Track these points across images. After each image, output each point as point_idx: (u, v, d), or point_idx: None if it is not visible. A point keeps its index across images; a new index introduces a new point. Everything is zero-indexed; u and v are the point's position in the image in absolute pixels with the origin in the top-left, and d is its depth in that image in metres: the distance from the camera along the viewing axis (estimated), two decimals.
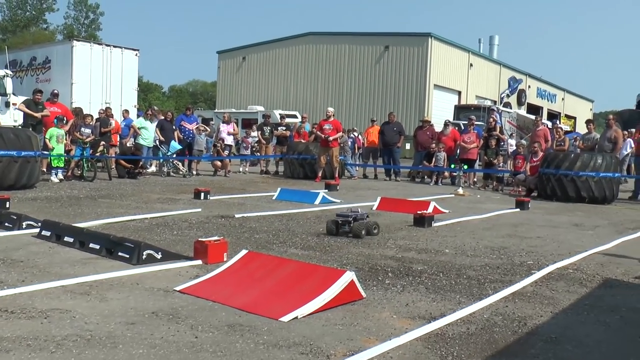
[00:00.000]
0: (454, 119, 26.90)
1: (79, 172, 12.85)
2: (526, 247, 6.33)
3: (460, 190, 12.75)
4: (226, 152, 16.92)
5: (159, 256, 4.82)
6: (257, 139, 18.71)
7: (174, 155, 15.31)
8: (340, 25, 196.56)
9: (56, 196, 9.45)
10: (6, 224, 6.13)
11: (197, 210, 8.17)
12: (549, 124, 22.32)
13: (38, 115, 12.71)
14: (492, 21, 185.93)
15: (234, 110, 35.37)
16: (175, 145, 15.19)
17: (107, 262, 4.77)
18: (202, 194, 9.65)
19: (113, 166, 13.97)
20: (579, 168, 11.65)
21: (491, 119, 16.67)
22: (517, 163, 14.33)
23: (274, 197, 10.30)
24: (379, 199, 9.60)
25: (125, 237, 5.31)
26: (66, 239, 5.39)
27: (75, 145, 13.04)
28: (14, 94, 18.32)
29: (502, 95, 46.85)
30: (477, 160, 16.26)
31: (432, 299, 4.06)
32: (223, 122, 17.87)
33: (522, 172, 13.60)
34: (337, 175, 14.81)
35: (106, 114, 15.69)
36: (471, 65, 43.16)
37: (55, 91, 14.43)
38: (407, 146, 25.94)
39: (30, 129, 11.86)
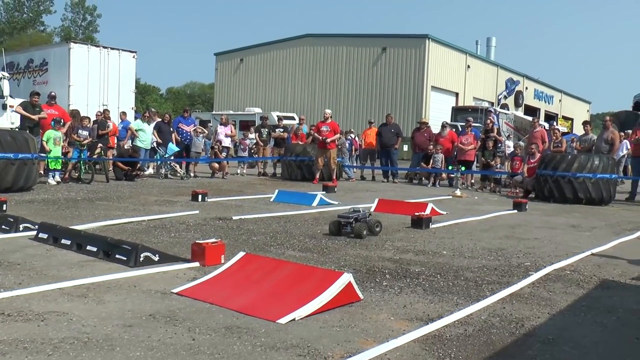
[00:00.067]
0: (451, 121, 26.95)
1: (77, 174, 12.83)
2: (524, 248, 6.34)
3: (458, 192, 12.77)
4: (224, 154, 16.92)
5: (156, 258, 4.82)
6: (254, 140, 18.72)
7: (172, 158, 15.30)
8: (338, 27, 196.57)
9: (53, 198, 9.44)
10: (3, 227, 6.11)
11: (194, 213, 8.17)
12: (546, 125, 22.38)
13: (35, 117, 12.71)
14: (489, 23, 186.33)
15: (231, 112, 35.39)
16: (172, 147, 15.19)
17: (105, 265, 4.76)
18: (200, 196, 9.65)
19: (110, 168, 13.95)
20: (576, 169, 11.68)
21: (488, 121, 16.70)
22: (514, 164, 14.35)
23: (271, 199, 10.29)
24: (376, 200, 9.60)
25: (122, 239, 5.30)
26: (63, 241, 5.38)
27: (73, 148, 13.03)
28: (11, 96, 18.26)
29: (499, 97, 46.96)
30: (475, 162, 16.28)
31: (430, 301, 4.06)
32: (220, 124, 17.88)
33: (520, 174, 13.62)
34: (334, 177, 14.83)
35: (104, 116, 15.67)
36: (468, 66, 43.25)
37: (53, 93, 14.43)
38: (405, 148, 25.99)
39: (28, 132, 11.86)
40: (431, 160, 15.72)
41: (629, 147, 15.65)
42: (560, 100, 59.92)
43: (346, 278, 3.83)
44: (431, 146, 15.94)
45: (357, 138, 20.44)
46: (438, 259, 5.54)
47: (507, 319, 3.69)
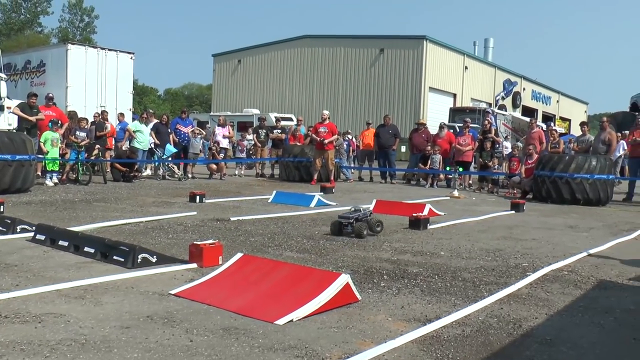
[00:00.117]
0: (449, 122, 26.97)
1: (74, 175, 12.82)
2: (521, 249, 6.34)
3: (456, 193, 12.78)
4: (221, 155, 16.92)
5: (154, 260, 4.81)
6: (252, 142, 18.72)
7: (170, 159, 15.29)
8: (336, 28, 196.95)
9: (51, 200, 9.42)
10: (0, 228, 6.09)
11: (192, 214, 8.16)
12: (544, 126, 22.38)
13: (33, 119, 12.69)
14: (487, 24, 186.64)
15: (229, 113, 35.40)
16: (170, 148, 15.18)
17: (102, 266, 4.76)
18: (198, 197, 9.64)
19: (108, 170, 13.94)
20: (574, 170, 11.69)
21: (486, 122, 16.72)
22: (512, 165, 14.37)
23: (269, 200, 10.29)
24: (374, 201, 9.60)
25: (120, 240, 5.29)
26: (61, 242, 5.37)
27: (71, 149, 13.01)
28: (8, 97, 18.24)
29: (497, 98, 47.03)
30: (473, 163, 16.30)
31: (428, 302, 4.06)
32: (218, 125, 17.88)
33: (517, 175, 13.64)
34: (332, 178, 14.83)
35: (102, 117, 15.66)
36: (466, 67, 43.32)
37: (50, 95, 14.40)
38: (403, 149, 26.01)
39: (25, 133, 11.83)
40: (429, 161, 15.74)
41: (625, 147, 15.69)
42: (557, 101, 60.06)
43: (344, 279, 3.83)
44: (429, 147, 15.95)
45: (354, 139, 20.44)
46: (436, 260, 5.54)
47: (505, 320, 3.70)
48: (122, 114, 18.35)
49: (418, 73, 38.41)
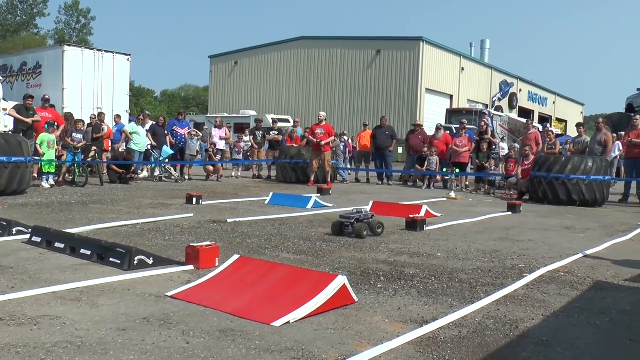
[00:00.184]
0: (445, 123, 26.98)
1: (71, 177, 12.79)
2: (518, 250, 6.35)
3: (453, 194, 12.80)
4: (218, 157, 16.91)
5: (150, 262, 4.80)
6: (249, 143, 18.70)
7: (166, 160, 15.27)
8: (332, 29, 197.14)
9: (47, 202, 9.40)
10: None
11: (189, 215, 8.15)
12: (540, 127, 22.45)
13: (29, 120, 12.66)
14: (483, 25, 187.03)
15: (226, 114, 35.34)
16: (167, 150, 15.17)
17: (99, 268, 4.75)
18: (194, 199, 9.63)
19: (105, 171, 13.92)
20: (570, 171, 11.72)
21: (483, 123, 16.75)
22: (508, 166, 14.40)
23: (266, 202, 10.29)
24: (371, 203, 9.61)
25: (116, 242, 5.28)
26: (57, 245, 5.36)
27: (67, 151, 12.99)
28: (4, 99, 18.18)
29: (493, 99, 47.10)
30: (469, 164, 16.32)
31: (424, 303, 4.06)
32: (215, 127, 17.87)
33: (514, 176, 13.66)
34: (329, 180, 14.83)
35: (99, 119, 15.64)
36: (463, 69, 43.37)
37: (47, 96, 14.38)
38: (400, 150, 26.02)
39: (21, 135, 11.80)
40: (426, 163, 15.75)
41: (621, 148, 15.72)
42: (554, 102, 60.17)
43: (341, 280, 3.83)
44: (425, 148, 15.97)
45: (350, 140, 20.44)
46: (432, 261, 5.55)
47: (502, 321, 3.70)
48: (118, 116, 18.33)
49: (415, 74, 38.43)
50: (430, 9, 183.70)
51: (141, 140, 14.94)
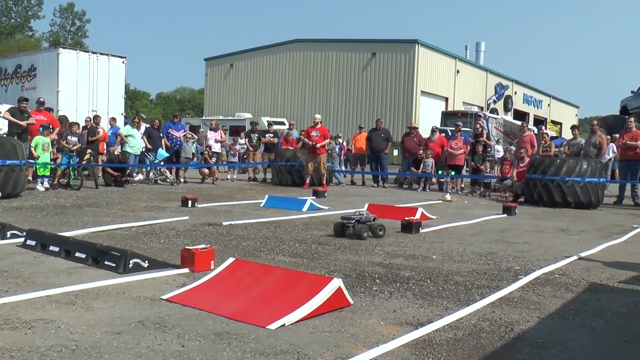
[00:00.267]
0: (441, 125, 27.06)
1: (65, 180, 12.76)
2: (513, 252, 6.37)
3: (448, 196, 12.82)
4: (214, 160, 16.89)
5: (145, 265, 4.79)
6: (245, 146, 18.69)
7: (162, 163, 15.25)
8: (328, 32, 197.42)
9: (42, 205, 9.37)
10: None
11: (184, 218, 8.14)
12: (535, 129, 22.49)
13: (23, 123, 12.61)
14: (478, 28, 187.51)
15: (221, 117, 35.35)
16: (162, 152, 15.14)
17: (93, 271, 4.73)
18: (190, 202, 9.61)
19: (100, 174, 13.88)
20: (565, 173, 11.76)
21: (478, 125, 16.78)
22: (504, 169, 14.43)
23: (261, 205, 10.28)
24: (366, 205, 9.61)
25: (111, 245, 5.27)
26: (52, 248, 5.34)
27: (62, 154, 12.95)
28: None
29: (488, 102, 47.23)
30: (465, 166, 16.36)
31: (420, 305, 4.07)
32: (210, 130, 17.86)
33: (509, 178, 13.69)
34: (324, 182, 14.83)
35: (95, 122, 15.60)
36: (458, 71, 43.48)
37: (41, 99, 14.33)
38: (395, 152, 26.06)
39: (16, 138, 11.76)
40: (421, 165, 15.77)
41: (615, 150, 15.78)
42: (549, 105, 60.36)
43: (336, 283, 3.83)
44: (421, 151, 15.99)
45: (344, 143, 20.45)
46: (428, 264, 5.55)
47: (497, 323, 3.71)
48: (114, 119, 18.30)
49: (410, 77, 38.50)
50: (425, 11, 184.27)
51: (136, 143, 14.91)
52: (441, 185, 15.54)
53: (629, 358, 3.26)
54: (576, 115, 67.56)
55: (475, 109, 35.83)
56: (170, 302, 3.92)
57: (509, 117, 40.21)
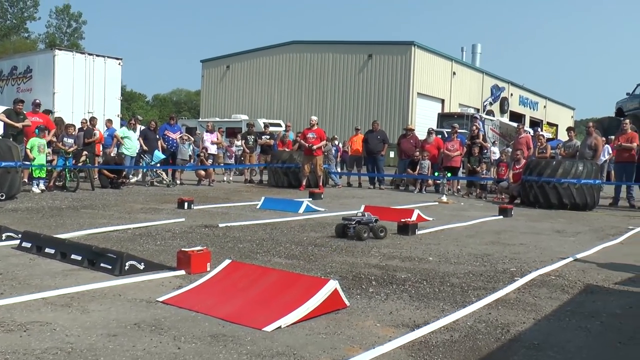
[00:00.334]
0: (437, 127, 27.07)
1: (61, 182, 12.72)
2: (509, 254, 6.38)
3: (444, 198, 12.83)
4: (210, 161, 16.86)
5: (141, 267, 4.78)
6: (241, 148, 18.68)
7: (158, 165, 15.22)
8: (324, 34, 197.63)
9: (37, 207, 9.34)
10: None
11: (180, 220, 8.13)
12: (531, 131, 22.55)
13: (19, 125, 12.58)
14: (474, 30, 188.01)
15: (217, 119, 35.29)
16: (159, 154, 15.12)
17: (89, 273, 4.72)
18: (186, 204, 9.60)
19: (96, 176, 13.85)
20: (561, 175, 11.79)
21: (474, 127, 16.81)
22: (500, 170, 14.45)
23: (258, 206, 10.27)
24: (362, 207, 9.60)
25: (107, 247, 5.26)
26: (47, 250, 5.33)
27: (58, 156, 12.92)
28: None
29: (484, 103, 47.30)
30: (461, 168, 16.38)
31: (416, 307, 4.07)
32: (207, 131, 17.84)
33: (505, 180, 13.72)
34: (321, 184, 14.83)
35: (91, 124, 15.56)
36: (454, 73, 43.52)
37: (37, 101, 14.30)
38: (391, 154, 26.06)
39: (11, 139, 11.72)
40: (417, 167, 15.78)
41: (610, 152, 15.82)
42: (545, 107, 60.48)
43: (332, 285, 3.83)
44: (417, 153, 16.00)
45: (340, 144, 20.46)
46: (424, 265, 5.56)
47: (493, 325, 3.71)
48: (110, 120, 18.25)
49: (406, 79, 38.52)
50: (421, 13, 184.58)
51: (132, 144, 14.88)
52: (437, 187, 15.55)
53: (625, 359, 3.27)
54: (572, 117, 67.70)
55: (472, 111, 35.89)
56: (166, 304, 3.91)
57: (505, 119, 40.23)
